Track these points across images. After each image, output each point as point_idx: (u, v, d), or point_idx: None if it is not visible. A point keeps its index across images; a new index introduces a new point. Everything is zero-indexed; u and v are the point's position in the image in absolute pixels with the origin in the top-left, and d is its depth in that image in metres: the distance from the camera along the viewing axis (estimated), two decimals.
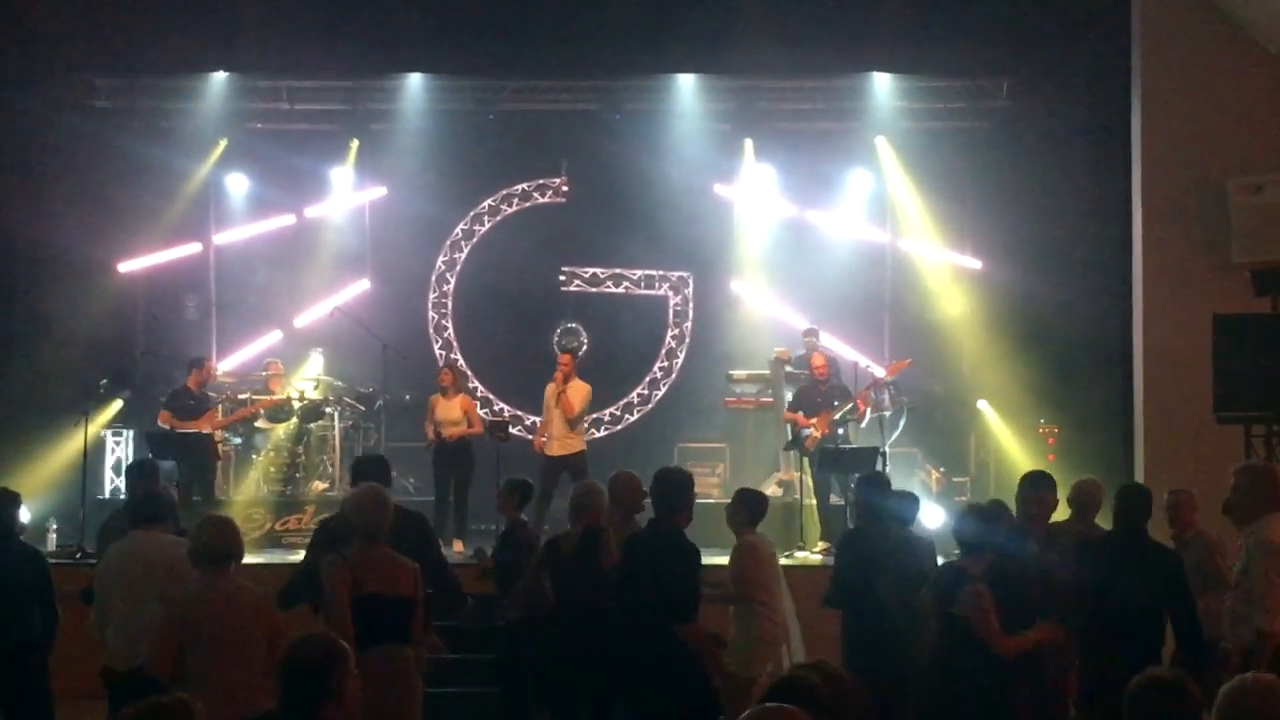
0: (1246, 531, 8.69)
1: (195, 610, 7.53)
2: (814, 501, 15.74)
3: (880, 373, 16.99)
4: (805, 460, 15.77)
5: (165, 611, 7.62)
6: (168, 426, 15.44)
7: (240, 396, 16.58)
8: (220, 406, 15.98)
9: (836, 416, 15.41)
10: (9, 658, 9.06)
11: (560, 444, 15.35)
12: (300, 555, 10.21)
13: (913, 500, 10.96)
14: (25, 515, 15.23)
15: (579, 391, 15.49)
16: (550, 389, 15.48)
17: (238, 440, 16.60)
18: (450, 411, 15.61)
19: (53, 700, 9.53)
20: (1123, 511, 9.27)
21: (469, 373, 18.77)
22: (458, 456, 15.51)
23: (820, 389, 15.66)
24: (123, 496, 12.93)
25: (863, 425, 16.02)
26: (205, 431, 15.45)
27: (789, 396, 16.93)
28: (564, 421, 15.36)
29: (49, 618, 9.33)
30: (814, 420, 15.42)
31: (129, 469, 11.24)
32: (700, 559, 8.88)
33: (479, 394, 18.67)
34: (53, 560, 13.43)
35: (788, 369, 17.20)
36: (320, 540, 9.40)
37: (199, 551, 7.72)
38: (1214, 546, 10.75)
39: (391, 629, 7.97)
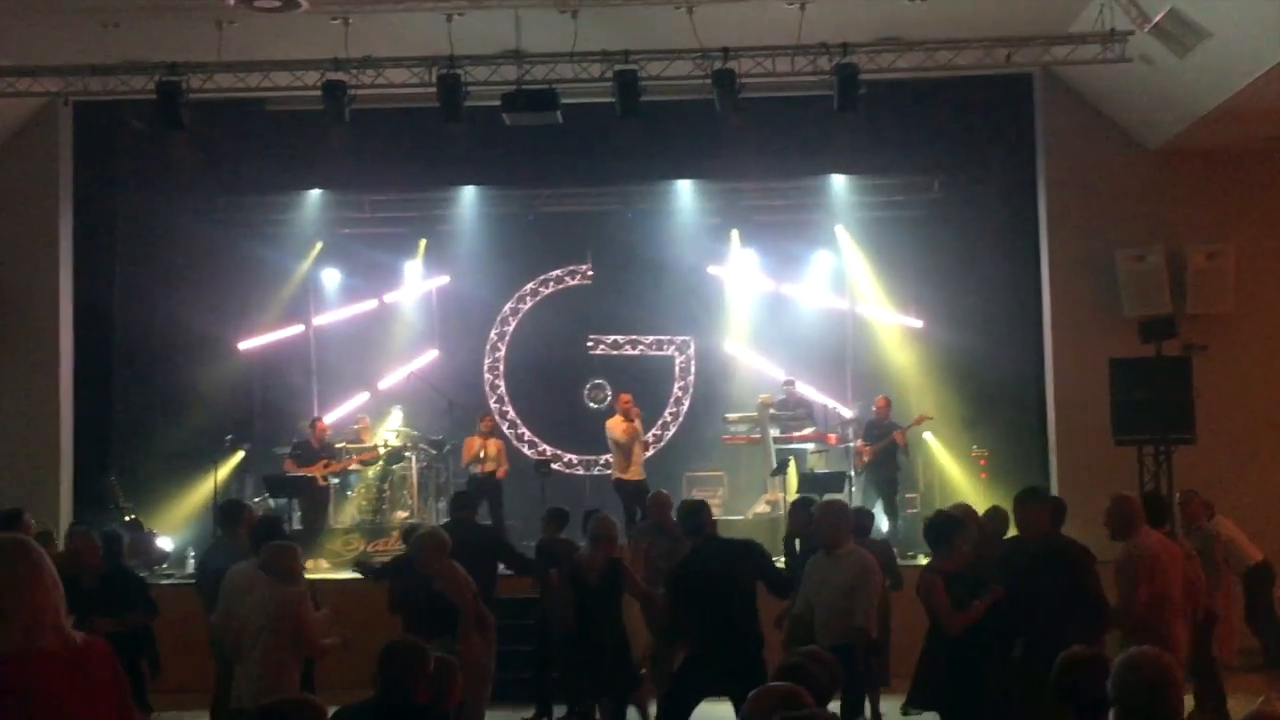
0: (838, 554, 8.78)
1: (255, 610, 8.06)
2: None
3: (848, 413, 17.10)
4: (787, 483, 15.96)
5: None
6: (291, 471, 15.76)
7: (338, 445, 16.63)
8: (326, 459, 16.08)
9: (877, 448, 15.94)
10: None
11: (640, 469, 15.42)
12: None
13: (869, 514, 11.12)
14: (169, 545, 15.44)
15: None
16: (621, 424, 15.42)
17: (336, 480, 16.63)
18: (489, 450, 15.77)
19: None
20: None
21: (518, 420, 18.84)
22: (495, 487, 15.70)
23: (882, 424, 16.11)
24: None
25: (905, 456, 16.28)
26: (314, 475, 15.64)
27: (774, 432, 16.96)
28: (643, 450, 15.57)
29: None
30: (869, 448, 15.92)
31: (222, 509, 11.22)
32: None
33: (525, 438, 18.71)
34: (191, 581, 13.59)
35: (770, 411, 17.20)
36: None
37: (266, 566, 8.23)
38: (1214, 539, 10.80)
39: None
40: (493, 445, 16.06)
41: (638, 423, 15.53)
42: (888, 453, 15.92)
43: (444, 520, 12.59)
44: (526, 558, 11.34)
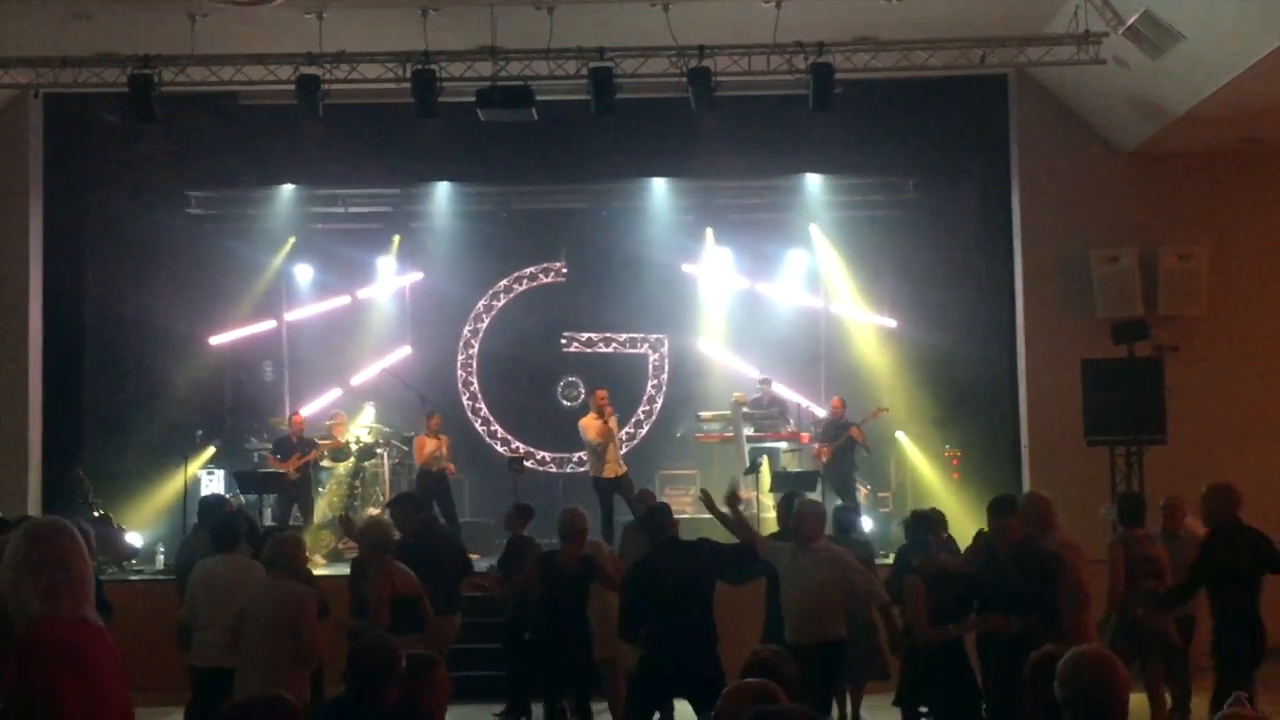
0: (812, 550, 8.86)
1: (252, 601, 7.95)
2: (771, 514, 15.73)
3: (822, 412, 17.09)
4: (760, 482, 15.95)
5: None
6: (273, 466, 15.74)
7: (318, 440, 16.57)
8: (300, 453, 15.96)
9: (834, 447, 15.87)
10: None
11: (617, 466, 15.29)
12: None
13: (853, 511, 11.13)
14: (138, 540, 15.33)
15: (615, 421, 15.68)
16: (595, 424, 15.29)
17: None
18: (440, 449, 15.73)
19: None
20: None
21: (490, 417, 18.79)
22: (445, 485, 15.61)
23: (838, 423, 16.07)
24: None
25: (866, 453, 16.22)
26: (287, 471, 15.54)
27: (747, 431, 16.94)
28: (617, 447, 15.44)
29: None
30: (826, 447, 15.86)
31: (205, 502, 11.27)
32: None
33: (498, 435, 18.67)
34: (161, 577, 13.54)
35: (744, 410, 17.17)
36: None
37: (271, 560, 8.12)
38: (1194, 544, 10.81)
39: (409, 621, 8.50)
40: (445, 443, 16.01)
41: (612, 421, 15.47)
42: (845, 450, 15.91)
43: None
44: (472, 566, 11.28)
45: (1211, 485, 9.30)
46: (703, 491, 9.87)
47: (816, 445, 16.21)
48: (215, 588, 8.62)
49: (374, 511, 16.29)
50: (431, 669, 5.66)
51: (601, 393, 15.61)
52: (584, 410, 16.03)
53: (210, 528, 9.58)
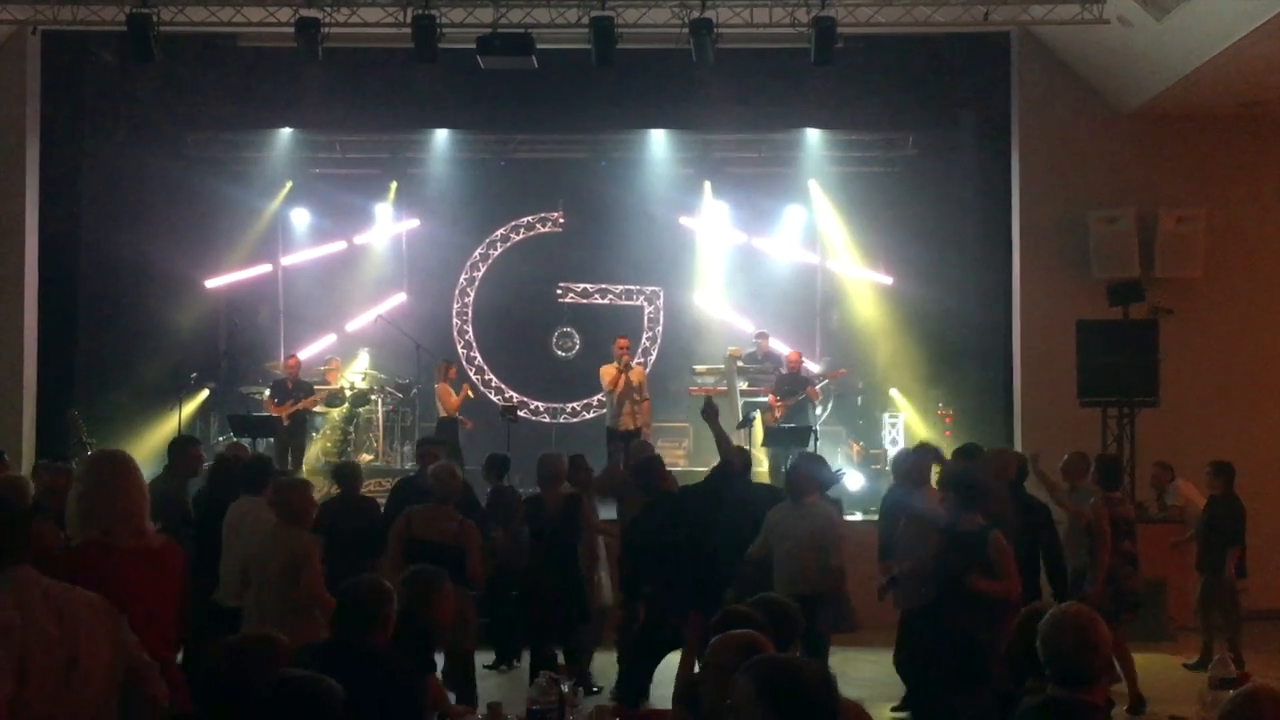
0: (803, 505, 8.94)
1: (259, 549, 7.77)
2: (764, 468, 15.74)
3: (815, 367, 17.10)
4: (753, 436, 15.92)
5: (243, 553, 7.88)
6: (270, 409, 15.80)
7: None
8: (296, 397, 15.94)
9: (790, 403, 15.74)
10: None
11: (631, 419, 15.14)
12: None
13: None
14: None
15: (640, 372, 15.50)
16: (610, 373, 15.16)
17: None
18: (466, 394, 15.78)
19: None
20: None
21: (485, 366, 18.78)
22: (455, 431, 15.63)
23: (795, 378, 16.00)
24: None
25: (819, 411, 16.13)
26: (280, 415, 15.55)
27: (741, 385, 16.94)
28: (636, 397, 15.12)
29: None
30: (780, 403, 15.64)
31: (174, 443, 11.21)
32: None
33: (492, 384, 18.67)
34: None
35: (739, 363, 17.19)
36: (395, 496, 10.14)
37: (277, 505, 7.85)
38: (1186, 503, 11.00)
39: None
40: (467, 389, 16.10)
41: (634, 372, 15.25)
42: (800, 407, 15.90)
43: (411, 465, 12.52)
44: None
45: (994, 448, 9.47)
46: (707, 403, 9.89)
47: (771, 398, 16.12)
48: (244, 528, 8.50)
49: (367, 458, 16.32)
50: (439, 583, 5.74)
51: (622, 341, 15.45)
52: (579, 361, 16.01)
53: (239, 471, 9.62)
